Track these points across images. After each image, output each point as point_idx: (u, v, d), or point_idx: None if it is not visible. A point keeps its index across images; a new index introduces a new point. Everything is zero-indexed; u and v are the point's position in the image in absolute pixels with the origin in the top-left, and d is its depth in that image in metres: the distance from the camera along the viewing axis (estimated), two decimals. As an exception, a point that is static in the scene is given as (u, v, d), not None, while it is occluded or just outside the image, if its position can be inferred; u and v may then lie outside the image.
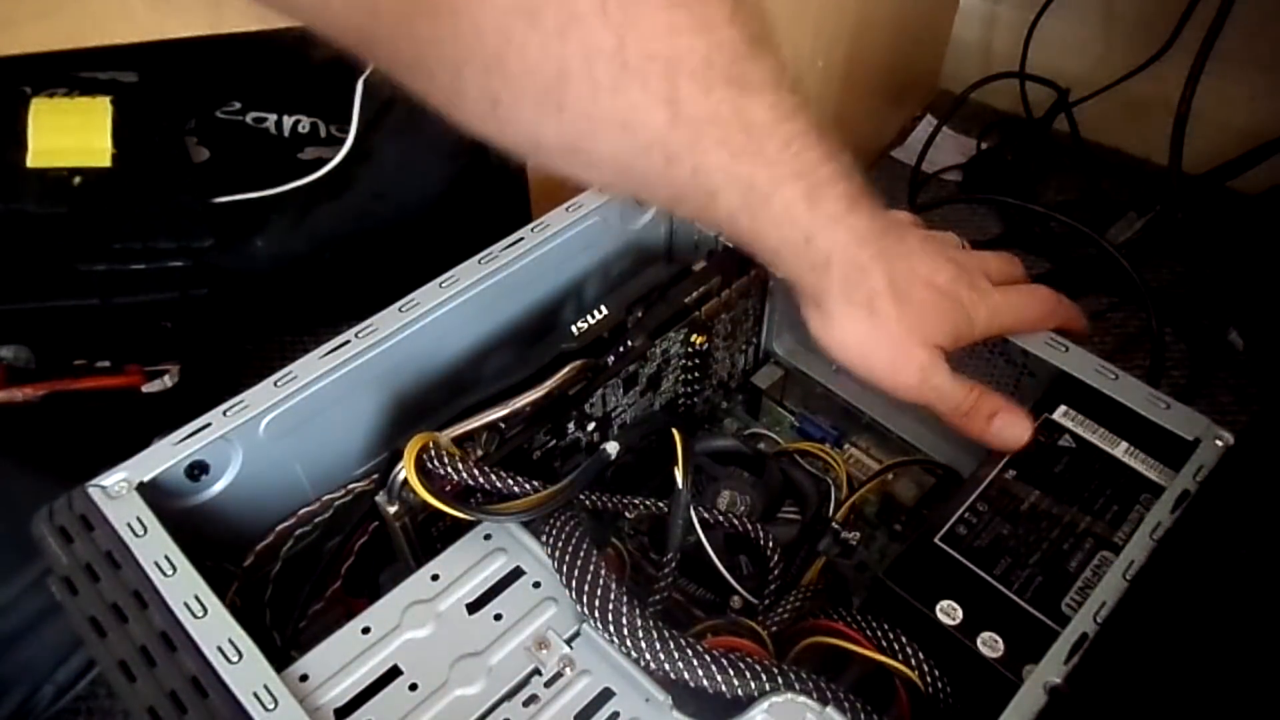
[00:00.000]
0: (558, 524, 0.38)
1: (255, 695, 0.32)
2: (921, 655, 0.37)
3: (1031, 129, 0.91)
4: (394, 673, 0.35)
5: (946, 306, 0.41)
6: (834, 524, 0.50)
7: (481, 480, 0.39)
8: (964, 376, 0.41)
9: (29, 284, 0.63)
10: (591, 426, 0.49)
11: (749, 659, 0.34)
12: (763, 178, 0.35)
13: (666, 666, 0.34)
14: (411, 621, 0.36)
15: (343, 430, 0.46)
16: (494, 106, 0.32)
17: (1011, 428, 0.42)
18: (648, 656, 0.34)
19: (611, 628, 0.35)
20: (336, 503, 0.43)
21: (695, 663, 0.34)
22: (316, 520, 0.43)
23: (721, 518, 0.47)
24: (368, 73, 0.68)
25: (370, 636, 0.35)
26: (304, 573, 0.42)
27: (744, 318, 0.55)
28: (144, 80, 0.69)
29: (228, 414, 0.41)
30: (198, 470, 0.41)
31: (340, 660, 0.35)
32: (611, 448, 0.42)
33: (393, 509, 0.40)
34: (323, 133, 0.73)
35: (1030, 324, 0.45)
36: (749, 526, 0.47)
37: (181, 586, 0.35)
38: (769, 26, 0.34)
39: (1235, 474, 0.40)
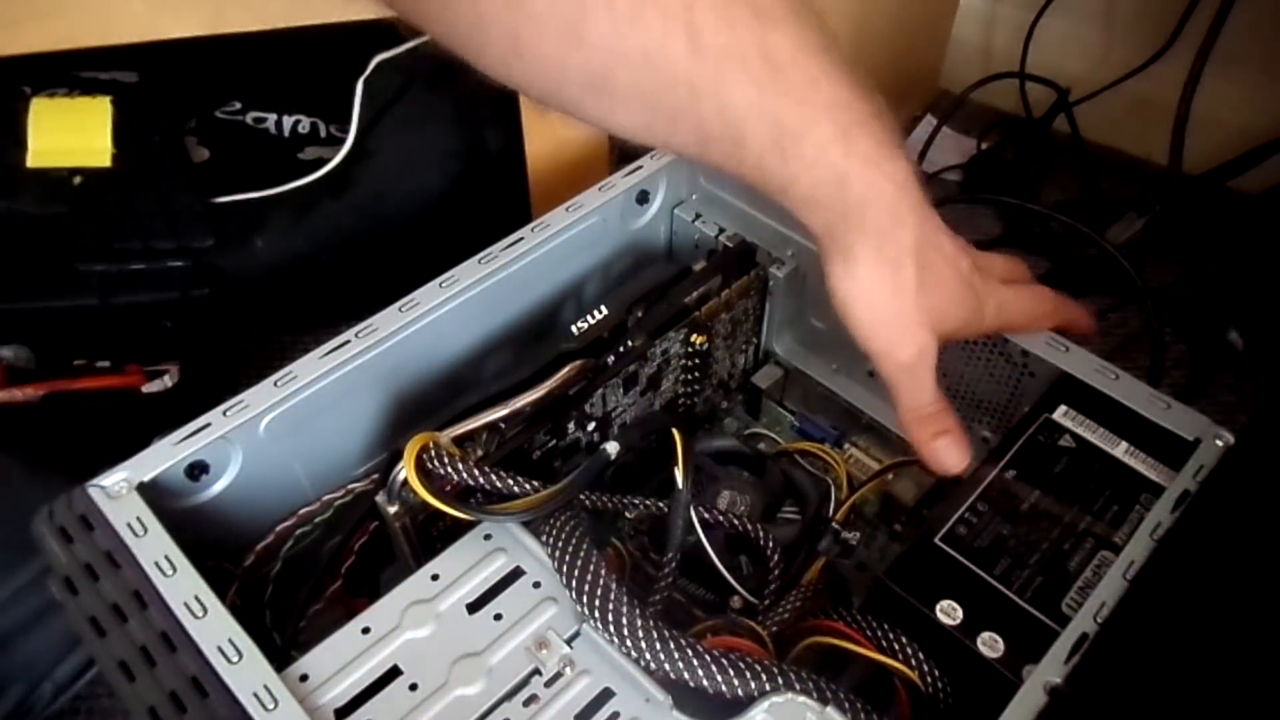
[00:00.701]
0: (558, 524, 0.38)
1: (255, 695, 0.32)
2: (921, 655, 0.37)
3: (1031, 129, 0.91)
4: (394, 673, 0.35)
5: (963, 292, 0.40)
6: (834, 524, 0.50)
7: (481, 480, 0.39)
8: (940, 387, 0.41)
9: (29, 284, 0.63)
10: (591, 426, 0.49)
11: (749, 659, 0.34)
12: (792, 115, 0.34)
13: (666, 666, 0.34)
14: (411, 621, 0.36)
15: (343, 430, 0.46)
16: (515, 43, 0.32)
17: (952, 452, 0.41)
18: (648, 656, 0.34)
19: (611, 628, 0.35)
20: (336, 503, 0.43)
21: (695, 663, 0.34)
22: (316, 520, 0.43)
23: (721, 518, 0.47)
24: (368, 72, 0.68)
25: (370, 636, 0.35)
26: (304, 573, 0.42)
27: (744, 318, 0.55)
28: (144, 80, 0.69)
29: (228, 414, 0.41)
30: (198, 470, 0.41)
31: (340, 660, 0.35)
32: (611, 448, 0.42)
33: (393, 509, 0.40)
34: (323, 133, 0.73)
35: (1035, 323, 0.45)
36: (749, 526, 0.47)
37: (181, 586, 0.35)
38: None
39: (1235, 474, 0.40)
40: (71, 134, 0.63)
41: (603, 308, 0.48)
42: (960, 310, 0.40)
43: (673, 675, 0.34)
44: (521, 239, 0.50)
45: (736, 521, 0.47)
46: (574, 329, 0.48)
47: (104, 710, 0.55)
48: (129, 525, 0.36)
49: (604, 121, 0.36)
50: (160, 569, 0.35)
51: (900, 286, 0.38)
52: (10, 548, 0.50)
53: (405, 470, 0.37)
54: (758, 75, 0.33)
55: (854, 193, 0.37)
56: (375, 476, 0.42)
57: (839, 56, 0.35)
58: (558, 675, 0.35)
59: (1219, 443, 0.41)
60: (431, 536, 0.42)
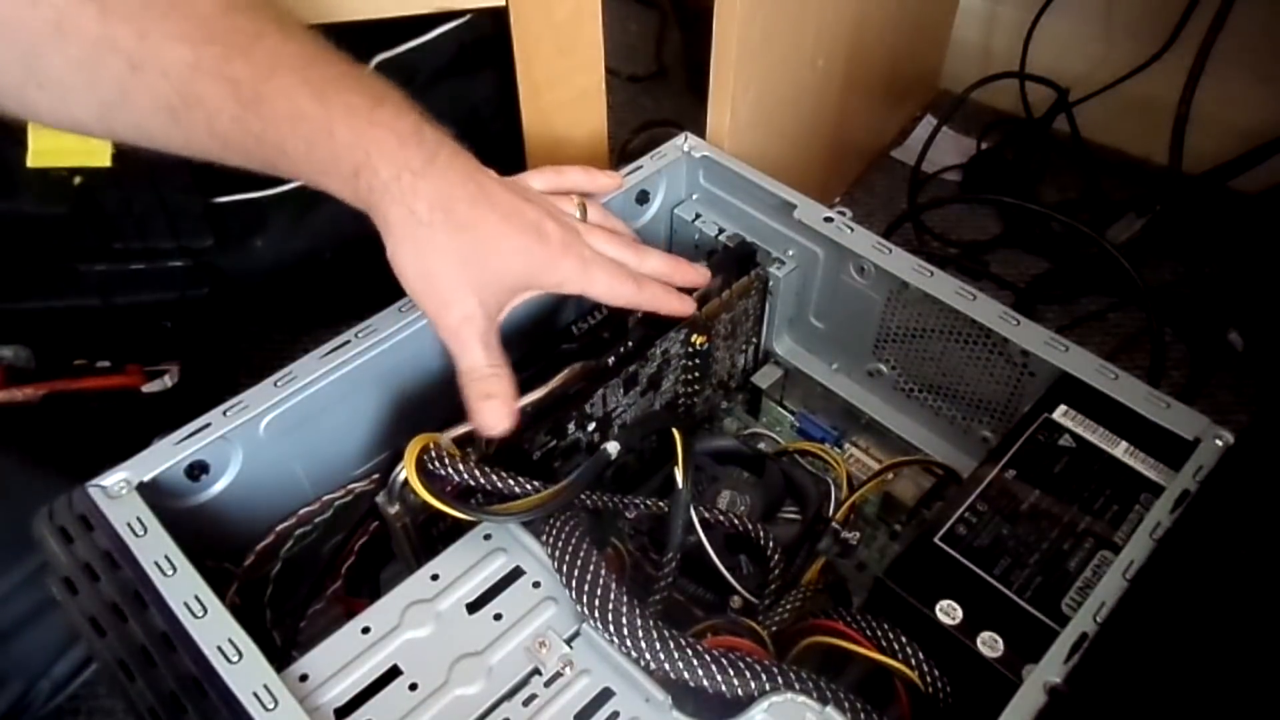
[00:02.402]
0: (558, 524, 0.38)
1: (255, 695, 0.32)
2: (921, 655, 0.37)
3: (1031, 129, 0.91)
4: (394, 673, 0.35)
5: (521, 246, 0.40)
6: (834, 524, 0.50)
7: (482, 481, 0.39)
8: (499, 348, 0.40)
9: (29, 284, 0.63)
10: (592, 426, 0.49)
11: (749, 659, 0.34)
12: (242, 71, 0.34)
13: (666, 666, 0.34)
14: (411, 621, 0.36)
15: (343, 430, 0.46)
16: None
17: (493, 414, 0.40)
18: (648, 656, 0.34)
19: (611, 628, 0.35)
20: (336, 503, 0.43)
21: (695, 663, 0.34)
22: (316, 520, 0.43)
23: (722, 517, 0.47)
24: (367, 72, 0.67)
25: (370, 636, 0.35)
26: (304, 573, 0.42)
27: (744, 318, 0.55)
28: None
29: (228, 414, 0.41)
30: (198, 470, 0.41)
31: (340, 660, 0.35)
32: (612, 448, 0.42)
33: (393, 509, 0.40)
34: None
35: (615, 297, 0.44)
36: (749, 526, 0.47)
37: (181, 586, 0.35)
38: None
39: (1235, 474, 0.40)
40: (72, 134, 0.63)
41: (603, 308, 0.49)
42: (517, 264, 0.40)
43: (672, 675, 0.34)
44: (521, 239, 0.50)
45: (736, 521, 0.47)
46: (574, 329, 0.48)
47: (103, 709, 0.55)
48: (129, 525, 0.36)
49: (62, 118, 0.34)
50: (160, 569, 0.35)
51: (435, 248, 0.38)
52: (8, 545, 0.50)
53: (406, 471, 0.37)
54: (188, 32, 0.33)
55: (344, 146, 0.36)
56: (375, 477, 0.42)
57: (292, 20, 0.35)
58: (557, 675, 0.35)
59: (1219, 443, 0.41)
60: (432, 537, 0.42)
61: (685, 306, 0.48)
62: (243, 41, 0.34)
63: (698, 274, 0.49)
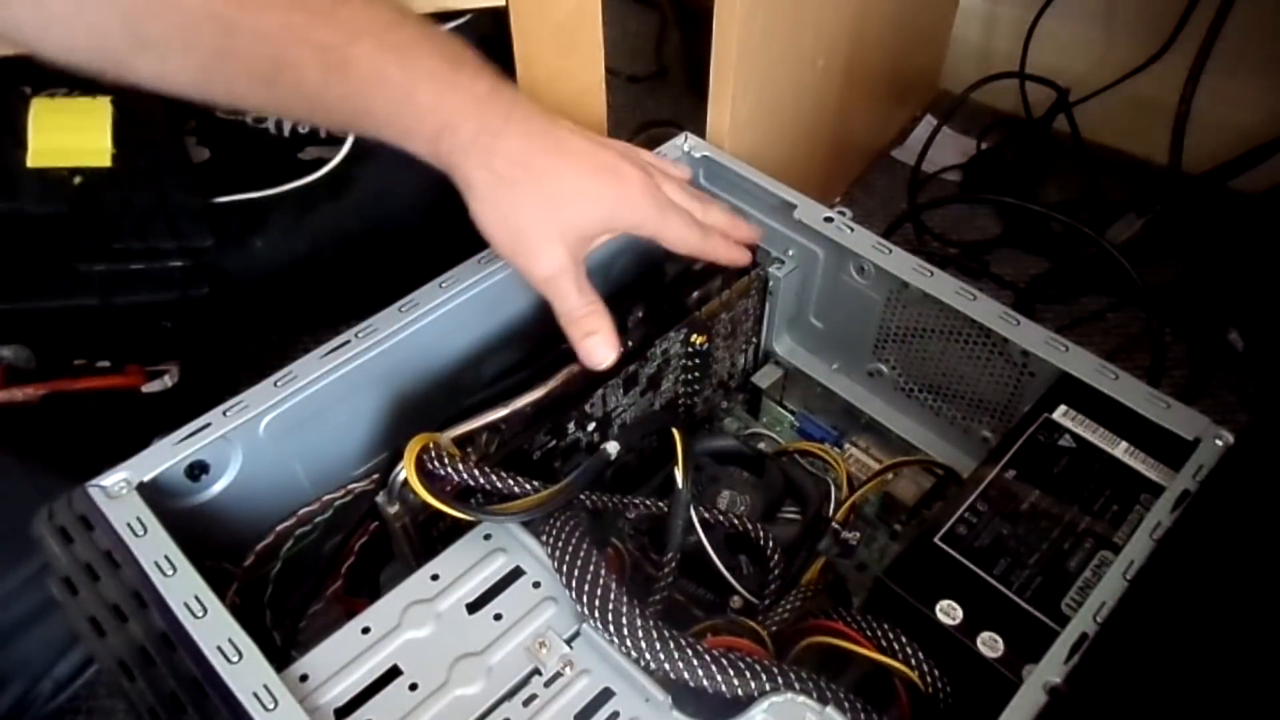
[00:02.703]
0: (557, 524, 0.38)
1: (255, 695, 0.32)
2: (921, 655, 0.37)
3: (1031, 129, 0.91)
4: (394, 673, 0.35)
5: (600, 188, 0.41)
6: (834, 524, 0.50)
7: (482, 481, 0.39)
8: (591, 288, 0.42)
9: (29, 284, 0.63)
10: (592, 426, 0.49)
11: (749, 659, 0.34)
12: (329, 34, 0.35)
13: (666, 666, 0.34)
14: (411, 621, 0.36)
15: (343, 430, 0.46)
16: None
17: (600, 349, 0.43)
18: (648, 656, 0.34)
19: (611, 628, 0.35)
20: (336, 503, 0.43)
21: (695, 663, 0.34)
22: (316, 520, 0.43)
23: (721, 518, 0.47)
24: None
25: (370, 636, 0.35)
26: (304, 573, 0.42)
27: (744, 318, 0.55)
28: (144, 80, 0.69)
29: (228, 414, 0.41)
30: (198, 470, 0.41)
31: (340, 660, 0.35)
32: (612, 448, 0.42)
33: (393, 509, 0.40)
34: (323, 132, 0.73)
35: (684, 245, 0.45)
36: (749, 526, 0.47)
37: (181, 586, 0.35)
38: None
39: (1235, 474, 0.40)
40: (71, 134, 0.63)
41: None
42: (599, 208, 0.41)
43: (672, 675, 0.34)
44: (521, 239, 0.50)
45: (736, 521, 0.47)
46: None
47: (103, 709, 0.55)
48: (129, 525, 0.36)
49: (160, 79, 0.36)
50: (160, 569, 0.35)
51: (519, 205, 0.40)
52: (8, 545, 0.50)
53: (406, 471, 0.38)
54: (280, 2, 0.34)
55: (427, 109, 0.37)
56: (375, 477, 0.42)
57: None
58: (557, 675, 0.35)
59: (1219, 443, 0.41)
60: (432, 537, 0.42)
61: (744, 257, 0.49)
62: (329, 7, 0.36)
63: (752, 231, 0.51)
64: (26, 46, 0.34)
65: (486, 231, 0.41)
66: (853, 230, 0.51)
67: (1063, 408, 0.44)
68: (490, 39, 0.64)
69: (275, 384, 0.42)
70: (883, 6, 0.79)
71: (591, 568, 0.36)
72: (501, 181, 0.39)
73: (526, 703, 0.34)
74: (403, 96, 0.37)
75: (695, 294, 0.50)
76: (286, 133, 0.72)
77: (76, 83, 0.67)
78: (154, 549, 0.36)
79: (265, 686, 0.32)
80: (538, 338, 0.49)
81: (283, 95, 0.37)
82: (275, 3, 0.34)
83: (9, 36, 0.34)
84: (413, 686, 0.34)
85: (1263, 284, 0.76)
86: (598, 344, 0.42)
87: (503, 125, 0.39)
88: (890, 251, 0.50)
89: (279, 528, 0.42)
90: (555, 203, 0.40)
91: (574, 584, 0.36)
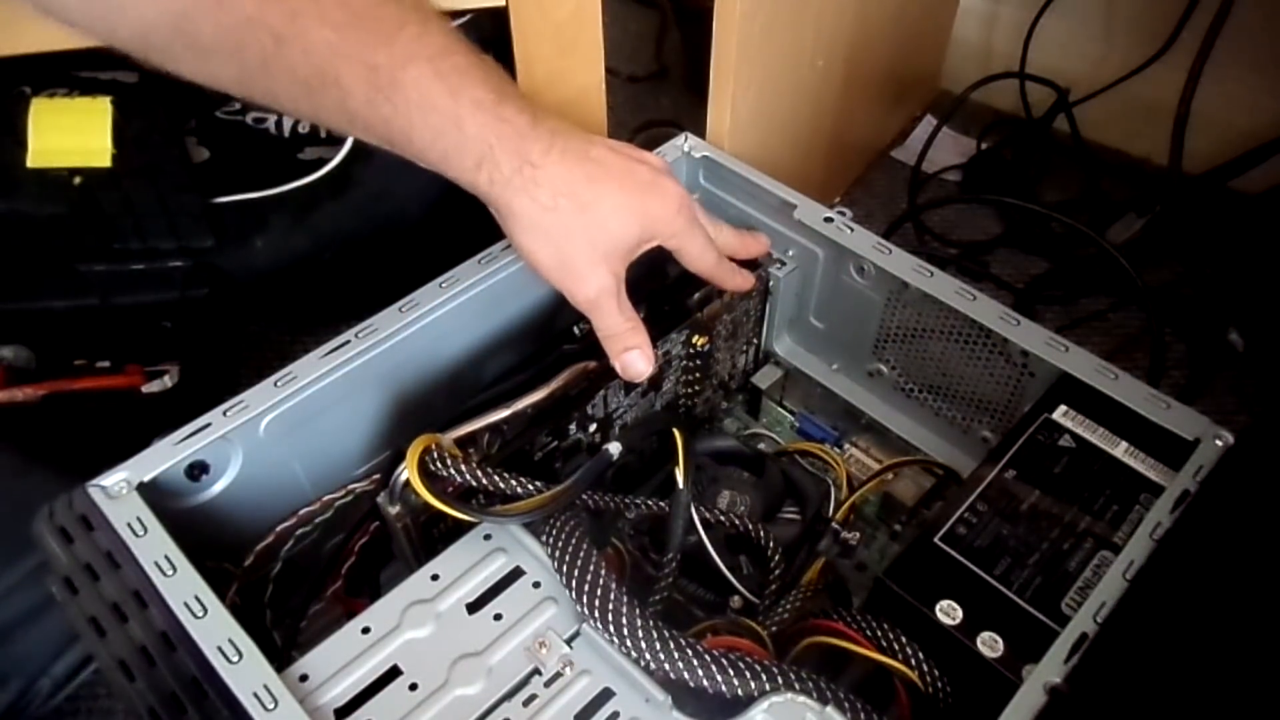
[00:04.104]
0: (558, 524, 0.38)
1: (255, 695, 0.32)
2: (921, 655, 0.37)
3: (1031, 129, 0.91)
4: (394, 673, 0.35)
5: (641, 205, 0.42)
6: (834, 524, 0.50)
7: (484, 481, 0.39)
8: (630, 305, 0.44)
9: (29, 284, 0.63)
10: (593, 427, 0.49)
11: (749, 659, 0.34)
12: (381, 55, 0.35)
13: (666, 666, 0.34)
14: (411, 621, 0.36)
15: (343, 430, 0.46)
16: None
17: (638, 363, 0.44)
18: (648, 656, 0.34)
19: (611, 628, 0.35)
20: (337, 503, 0.43)
21: (695, 663, 0.34)
22: (316, 520, 0.43)
23: (722, 518, 0.47)
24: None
25: (370, 636, 0.35)
26: (304, 573, 0.42)
27: (745, 319, 0.55)
28: (144, 80, 0.69)
29: (228, 414, 0.41)
30: (198, 470, 0.41)
31: (340, 660, 0.35)
32: (614, 448, 0.42)
33: (394, 510, 0.40)
34: (323, 133, 0.73)
35: (697, 264, 0.47)
36: (749, 526, 0.47)
37: (181, 586, 0.35)
38: None
39: (1235, 474, 0.40)
40: (71, 134, 0.63)
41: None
42: (639, 225, 0.42)
43: (672, 675, 0.34)
44: (522, 239, 0.50)
45: (736, 521, 0.47)
46: (575, 330, 0.48)
47: (102, 709, 0.55)
48: (129, 525, 0.36)
49: (202, 75, 0.36)
50: (160, 569, 0.35)
51: (563, 232, 0.41)
52: (7, 544, 0.50)
53: (407, 472, 0.37)
54: (333, 16, 0.34)
55: (471, 138, 0.38)
56: (376, 477, 0.42)
57: (432, 11, 0.37)
58: (557, 675, 0.35)
59: (1219, 443, 0.41)
60: (433, 537, 0.42)
61: (747, 284, 0.51)
62: (388, 30, 0.36)
63: (759, 244, 0.52)
64: (68, 23, 0.34)
65: (531, 259, 0.42)
66: (853, 230, 0.51)
67: (1063, 408, 0.44)
68: (490, 39, 0.64)
69: (275, 384, 0.42)
70: (883, 7, 0.79)
71: (591, 568, 0.36)
72: (545, 210, 0.40)
73: (526, 703, 0.34)
74: (448, 125, 0.37)
75: (697, 295, 0.50)
76: (286, 133, 0.72)
77: (76, 83, 0.67)
78: (154, 549, 0.36)
79: (265, 686, 0.32)
80: (538, 338, 0.49)
81: (324, 108, 0.37)
82: (330, 19, 0.34)
83: (51, 11, 0.34)
84: (413, 686, 0.34)
85: (1263, 284, 0.77)
86: (636, 358, 0.44)
87: (543, 156, 0.39)
88: (890, 252, 0.50)
89: (279, 528, 0.42)
90: (599, 226, 0.41)
91: (574, 584, 0.36)
